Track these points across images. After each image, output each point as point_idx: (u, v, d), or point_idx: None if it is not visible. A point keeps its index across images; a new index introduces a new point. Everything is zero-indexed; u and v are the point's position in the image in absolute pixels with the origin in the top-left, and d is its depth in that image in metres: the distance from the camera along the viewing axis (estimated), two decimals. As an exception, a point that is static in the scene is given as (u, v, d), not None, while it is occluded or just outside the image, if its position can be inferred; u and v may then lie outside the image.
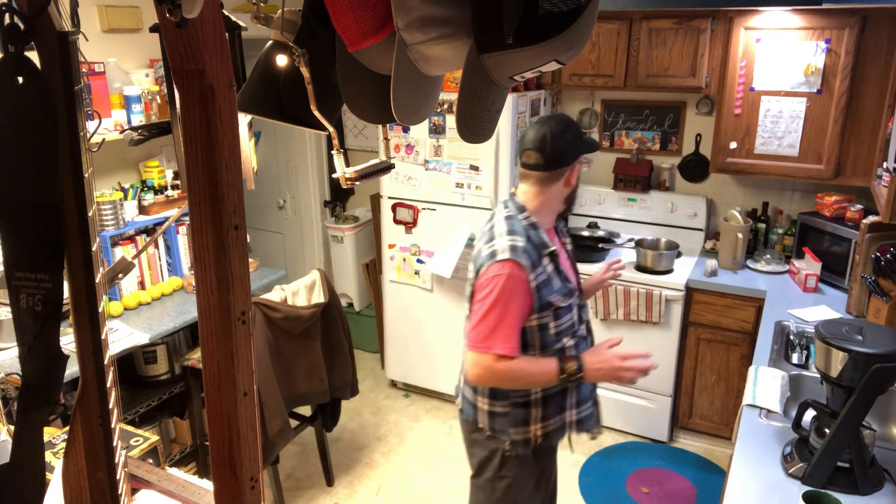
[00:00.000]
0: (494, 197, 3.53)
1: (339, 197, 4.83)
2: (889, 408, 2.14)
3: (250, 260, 3.40)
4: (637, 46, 3.43)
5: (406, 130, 3.68)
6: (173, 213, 3.11)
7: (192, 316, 3.05)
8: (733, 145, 3.35)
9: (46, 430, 1.62)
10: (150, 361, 3.14)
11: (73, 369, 0.84)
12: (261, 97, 1.03)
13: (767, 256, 3.46)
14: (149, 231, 3.24)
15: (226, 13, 0.83)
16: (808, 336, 2.65)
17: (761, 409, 2.06)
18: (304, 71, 0.93)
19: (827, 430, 1.67)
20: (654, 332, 3.41)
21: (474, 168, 3.54)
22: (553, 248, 1.89)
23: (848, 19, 2.99)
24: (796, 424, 1.80)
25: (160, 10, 0.68)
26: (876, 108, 3.03)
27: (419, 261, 3.84)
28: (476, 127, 0.80)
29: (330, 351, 3.05)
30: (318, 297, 3.02)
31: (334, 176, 1.10)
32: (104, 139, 2.75)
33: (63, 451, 0.96)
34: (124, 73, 3.11)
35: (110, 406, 0.83)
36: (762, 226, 3.64)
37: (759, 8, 3.10)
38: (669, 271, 3.42)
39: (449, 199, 3.66)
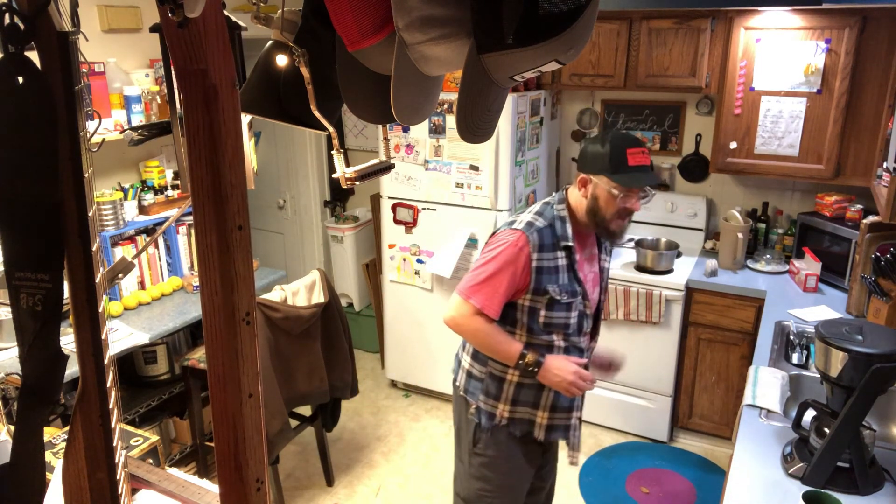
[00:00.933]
0: (494, 197, 3.53)
1: (339, 197, 4.83)
2: (889, 408, 2.14)
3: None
4: (637, 46, 3.43)
5: (406, 130, 3.68)
6: (173, 213, 3.11)
7: (192, 316, 3.05)
8: (733, 145, 3.35)
9: (46, 430, 1.62)
10: (150, 361, 3.14)
11: (73, 369, 0.84)
12: (261, 97, 1.03)
13: (767, 256, 3.46)
14: (149, 231, 3.24)
15: (226, 13, 0.83)
16: (808, 336, 2.65)
17: (761, 409, 2.06)
18: (304, 71, 0.93)
19: (827, 430, 1.67)
20: (654, 332, 3.41)
21: (474, 168, 3.54)
22: (570, 244, 1.92)
23: (848, 19, 2.99)
24: (796, 424, 1.80)
25: (162, 10, 0.68)
26: (876, 108, 3.03)
27: (419, 261, 3.84)
28: (476, 127, 0.80)
29: (330, 351, 3.05)
30: (318, 297, 3.02)
31: (334, 176, 1.10)
32: (104, 139, 2.75)
33: (63, 451, 0.96)
34: (124, 73, 3.11)
35: (110, 406, 0.83)
36: (762, 226, 3.65)
37: (759, 8, 3.10)
38: (669, 271, 3.42)
39: (449, 199, 3.66)
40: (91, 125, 0.77)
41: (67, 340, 0.80)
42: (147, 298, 3.17)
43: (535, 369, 1.92)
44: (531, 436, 2.07)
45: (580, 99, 4.03)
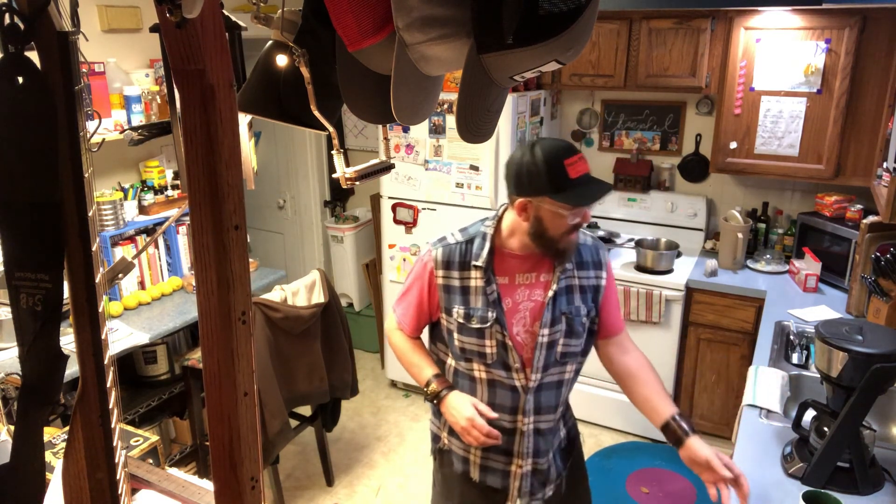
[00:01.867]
0: (494, 197, 3.53)
1: (339, 197, 4.83)
2: (889, 408, 2.14)
3: (250, 260, 3.40)
4: (637, 46, 3.43)
5: (406, 130, 3.68)
6: (173, 213, 3.11)
7: (192, 316, 3.05)
8: (733, 145, 3.35)
9: (46, 430, 1.62)
10: (150, 361, 3.14)
11: (73, 369, 0.84)
12: (261, 97, 1.03)
13: (767, 256, 3.46)
14: (149, 231, 3.24)
15: (226, 13, 0.83)
16: (808, 336, 2.65)
17: (761, 409, 2.06)
18: (304, 71, 0.93)
19: (827, 430, 1.67)
20: (654, 332, 3.41)
21: (474, 168, 3.54)
22: (480, 265, 1.70)
23: (848, 19, 2.99)
24: (796, 424, 1.80)
25: (160, 10, 0.68)
26: (876, 108, 3.03)
27: (419, 261, 3.83)
28: (476, 127, 0.80)
29: (330, 351, 3.05)
30: (318, 297, 3.02)
31: (334, 176, 1.10)
32: (104, 139, 2.75)
33: (63, 451, 0.96)
34: (124, 73, 3.11)
35: (110, 406, 0.83)
36: (762, 226, 3.64)
37: (759, 8, 3.10)
38: (669, 271, 3.42)
39: (449, 199, 3.66)
40: (91, 125, 0.77)
41: (67, 340, 0.80)
42: (147, 298, 3.17)
43: (436, 401, 1.75)
44: (468, 475, 1.86)
45: (580, 99, 4.03)
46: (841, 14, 2.99)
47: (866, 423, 1.66)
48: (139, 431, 1.86)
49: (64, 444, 1.35)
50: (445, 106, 3.51)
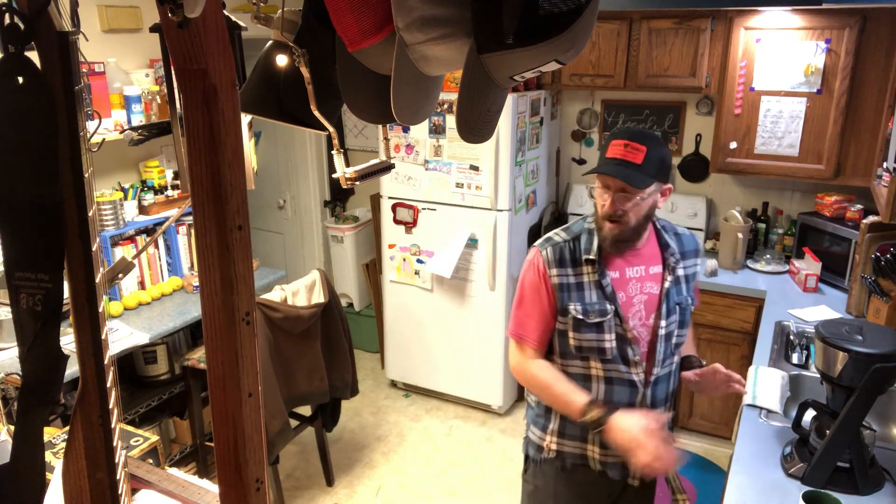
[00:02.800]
0: (494, 197, 3.53)
1: (339, 197, 4.83)
2: (889, 408, 2.14)
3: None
4: (637, 46, 3.43)
5: (406, 130, 3.67)
6: (173, 213, 3.11)
7: (192, 316, 3.05)
8: (733, 145, 3.35)
9: (46, 430, 1.62)
10: (150, 361, 3.14)
11: (73, 369, 0.84)
12: (261, 97, 1.03)
13: (767, 256, 3.46)
14: (149, 231, 3.24)
15: (226, 13, 0.83)
16: (808, 336, 2.65)
17: (761, 409, 2.06)
18: (304, 71, 0.93)
19: (827, 430, 1.67)
20: (654, 332, 3.41)
21: (474, 168, 3.54)
22: (593, 258, 1.72)
23: (848, 19, 2.98)
24: (796, 424, 1.80)
25: (162, 10, 0.68)
26: (876, 108, 3.03)
27: (419, 261, 3.84)
28: (476, 127, 0.80)
29: (330, 351, 3.05)
30: (318, 297, 3.02)
31: (334, 176, 1.10)
32: (104, 139, 2.75)
33: (63, 451, 0.96)
34: (124, 73, 3.11)
35: (110, 406, 0.83)
36: (762, 226, 3.64)
37: (759, 8, 3.10)
38: (669, 271, 3.42)
39: (449, 199, 3.66)
40: (91, 125, 0.77)
41: (67, 340, 0.80)
42: (147, 298, 3.17)
43: (599, 429, 1.65)
44: (587, 467, 1.83)
45: (580, 99, 4.03)
46: (841, 14, 2.99)
47: (866, 423, 1.66)
48: (139, 431, 1.86)
49: (64, 444, 1.35)
50: (445, 106, 3.51)
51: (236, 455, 0.83)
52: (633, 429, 1.60)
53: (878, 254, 2.53)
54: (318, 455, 3.32)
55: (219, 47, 0.72)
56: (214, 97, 0.73)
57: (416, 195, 3.75)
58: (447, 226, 3.70)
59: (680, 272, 1.81)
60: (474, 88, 0.75)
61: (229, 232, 0.77)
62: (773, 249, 3.59)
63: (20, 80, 0.64)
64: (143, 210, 3.24)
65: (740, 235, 3.40)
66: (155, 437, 1.82)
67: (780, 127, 3.24)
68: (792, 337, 2.68)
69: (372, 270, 4.44)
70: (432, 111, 0.93)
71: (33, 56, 0.66)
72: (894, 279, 2.43)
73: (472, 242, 3.64)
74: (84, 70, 0.72)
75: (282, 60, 0.99)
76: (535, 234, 3.92)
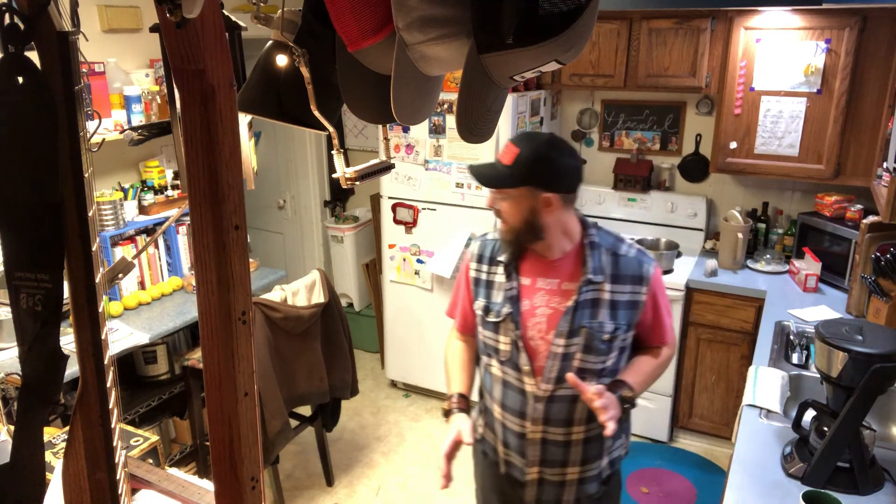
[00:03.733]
0: (494, 197, 3.53)
1: (339, 197, 4.83)
2: (889, 408, 2.14)
3: (250, 260, 3.40)
4: (637, 46, 3.43)
5: (406, 130, 3.67)
6: (173, 213, 3.11)
7: (192, 316, 3.05)
8: (733, 145, 3.35)
9: (46, 430, 1.62)
10: (150, 361, 3.14)
11: (73, 369, 0.84)
12: (261, 97, 1.03)
13: (767, 256, 3.46)
14: (149, 231, 3.24)
15: (226, 13, 0.83)
16: (808, 336, 2.65)
17: (761, 409, 2.06)
18: (304, 71, 0.93)
19: (827, 430, 1.67)
20: (654, 332, 3.41)
21: (474, 168, 3.54)
22: (502, 260, 1.72)
23: (848, 19, 2.98)
24: (796, 424, 1.80)
25: (160, 10, 0.68)
26: (876, 108, 3.03)
27: (419, 261, 3.84)
28: (476, 127, 0.80)
29: (330, 351, 3.05)
30: (318, 297, 3.02)
31: (334, 176, 1.10)
32: (104, 139, 2.75)
33: (63, 451, 0.96)
34: (124, 73, 3.11)
35: (110, 406, 0.83)
36: (762, 226, 3.64)
37: (759, 8, 3.10)
38: (669, 271, 3.42)
39: (449, 199, 3.66)
40: (91, 125, 0.77)
41: (67, 340, 0.80)
42: (147, 298, 3.17)
43: (446, 418, 1.77)
44: (498, 467, 1.84)
45: (580, 99, 4.03)
46: (841, 14, 2.99)
47: (866, 423, 1.66)
48: (139, 431, 1.86)
49: (64, 444, 1.35)
50: (445, 106, 3.51)
51: (232, 454, 0.83)
52: (447, 438, 1.68)
53: (878, 254, 2.53)
54: (318, 455, 3.32)
55: (217, 47, 0.72)
56: (212, 97, 0.73)
57: (416, 195, 3.75)
58: (447, 226, 3.70)
59: (605, 296, 1.66)
60: (474, 88, 0.75)
61: (226, 231, 0.77)
62: (773, 249, 3.60)
63: (20, 80, 0.64)
64: (143, 210, 3.24)
65: (740, 235, 3.40)
66: (155, 437, 1.82)
67: (780, 127, 3.24)
68: (792, 337, 2.68)
69: (372, 270, 4.44)
70: (432, 111, 0.93)
71: (33, 56, 0.66)
72: (894, 279, 2.43)
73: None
74: (84, 70, 0.72)
75: (282, 60, 0.99)
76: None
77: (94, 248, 0.74)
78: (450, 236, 3.69)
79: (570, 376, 1.61)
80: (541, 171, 1.60)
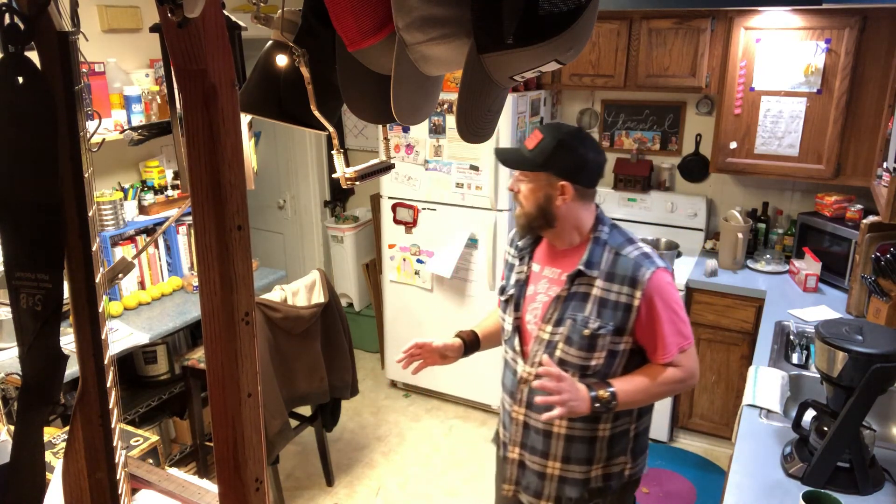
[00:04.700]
0: (494, 197, 3.53)
1: (339, 197, 4.83)
2: (889, 408, 2.14)
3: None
4: (637, 46, 3.43)
5: (406, 130, 3.67)
6: (173, 213, 3.11)
7: (192, 316, 3.05)
8: (733, 145, 3.35)
9: (46, 430, 1.62)
10: (150, 361, 3.14)
11: (73, 369, 0.84)
12: (261, 97, 1.03)
13: (767, 256, 3.46)
14: (149, 231, 3.24)
15: (226, 13, 0.83)
16: (808, 336, 2.65)
17: (761, 409, 2.06)
18: (304, 71, 0.93)
19: (827, 430, 1.67)
20: (654, 332, 3.40)
21: (474, 168, 3.54)
22: (518, 244, 1.85)
23: (848, 19, 2.98)
24: (796, 424, 1.80)
25: (162, 10, 0.68)
26: (876, 108, 3.03)
27: (419, 261, 3.84)
28: (476, 127, 0.80)
29: (330, 351, 3.05)
30: (318, 297, 3.02)
31: (334, 176, 1.10)
32: (104, 139, 2.75)
33: (63, 451, 0.96)
34: (124, 73, 3.11)
35: (110, 406, 0.83)
36: (762, 226, 3.64)
37: (759, 8, 3.10)
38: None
39: (449, 199, 3.66)
40: (91, 125, 0.77)
41: (67, 340, 0.80)
42: (147, 298, 3.17)
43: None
44: (500, 450, 1.94)
45: (580, 99, 4.03)
46: (841, 14, 2.99)
47: (866, 423, 1.66)
48: (139, 431, 1.86)
49: (64, 444, 1.35)
50: (445, 106, 3.51)
51: (235, 455, 0.83)
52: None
53: (878, 254, 2.53)
54: (318, 455, 3.32)
55: (218, 47, 0.72)
56: (214, 97, 0.73)
57: (416, 195, 3.75)
58: (447, 226, 3.69)
59: (595, 291, 1.66)
60: (474, 88, 0.75)
61: (229, 232, 0.77)
62: (773, 249, 3.59)
63: (20, 80, 0.64)
64: (143, 210, 3.24)
65: (740, 235, 3.40)
66: (155, 437, 1.82)
67: (780, 127, 3.24)
68: (792, 337, 2.68)
69: (372, 270, 4.44)
70: (432, 111, 0.93)
71: (33, 56, 0.66)
72: (894, 279, 2.43)
73: (472, 242, 3.64)
74: (84, 70, 0.72)
75: (282, 60, 0.99)
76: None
77: (94, 248, 0.74)
78: (450, 236, 3.69)
79: (545, 359, 1.63)
80: (560, 158, 1.64)
